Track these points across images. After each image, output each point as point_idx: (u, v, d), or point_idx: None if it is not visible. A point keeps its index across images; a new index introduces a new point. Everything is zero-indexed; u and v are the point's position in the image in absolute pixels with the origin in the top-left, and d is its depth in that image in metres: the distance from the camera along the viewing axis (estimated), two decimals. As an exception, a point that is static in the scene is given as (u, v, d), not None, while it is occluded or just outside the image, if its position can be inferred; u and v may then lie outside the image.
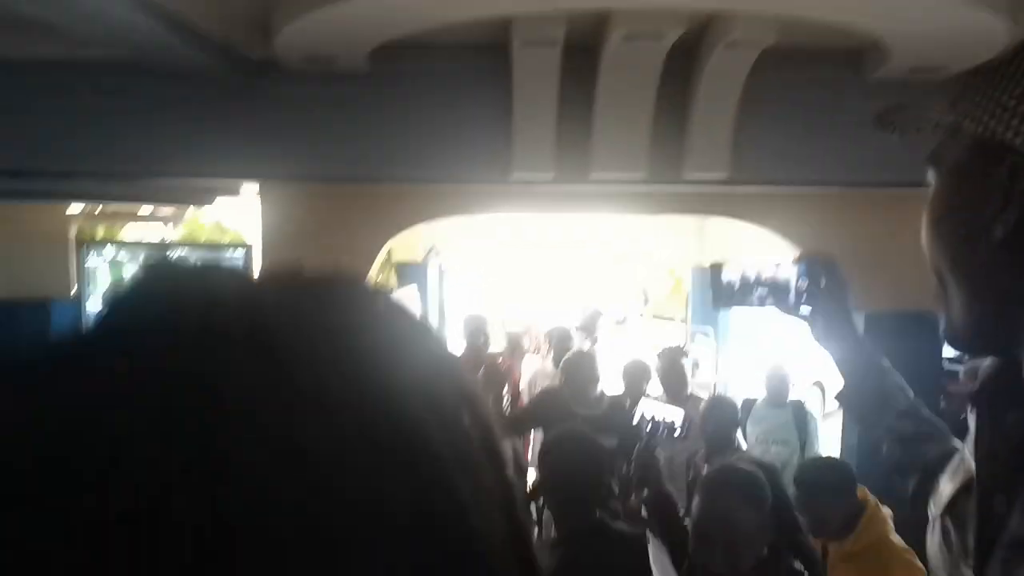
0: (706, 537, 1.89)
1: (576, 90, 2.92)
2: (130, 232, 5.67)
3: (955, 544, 0.81)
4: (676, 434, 3.11)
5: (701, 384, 6.19)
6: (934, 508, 0.91)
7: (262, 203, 3.62)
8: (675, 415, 3.14)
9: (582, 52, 2.79)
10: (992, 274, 0.72)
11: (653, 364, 4.52)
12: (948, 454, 1.21)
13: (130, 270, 5.97)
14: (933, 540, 0.88)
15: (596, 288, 16.82)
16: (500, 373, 4.73)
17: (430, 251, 7.56)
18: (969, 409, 0.80)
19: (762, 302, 1.31)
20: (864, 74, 2.98)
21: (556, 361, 5.38)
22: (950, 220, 0.77)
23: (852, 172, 3.13)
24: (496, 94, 2.93)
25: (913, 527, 1.45)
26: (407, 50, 2.81)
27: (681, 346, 5.34)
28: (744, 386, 7.05)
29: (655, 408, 3.23)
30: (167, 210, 5.01)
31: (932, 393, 3.81)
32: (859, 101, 2.91)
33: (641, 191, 3.53)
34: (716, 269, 1.36)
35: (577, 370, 3.94)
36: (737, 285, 1.32)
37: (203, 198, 3.93)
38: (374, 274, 3.84)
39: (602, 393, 4.03)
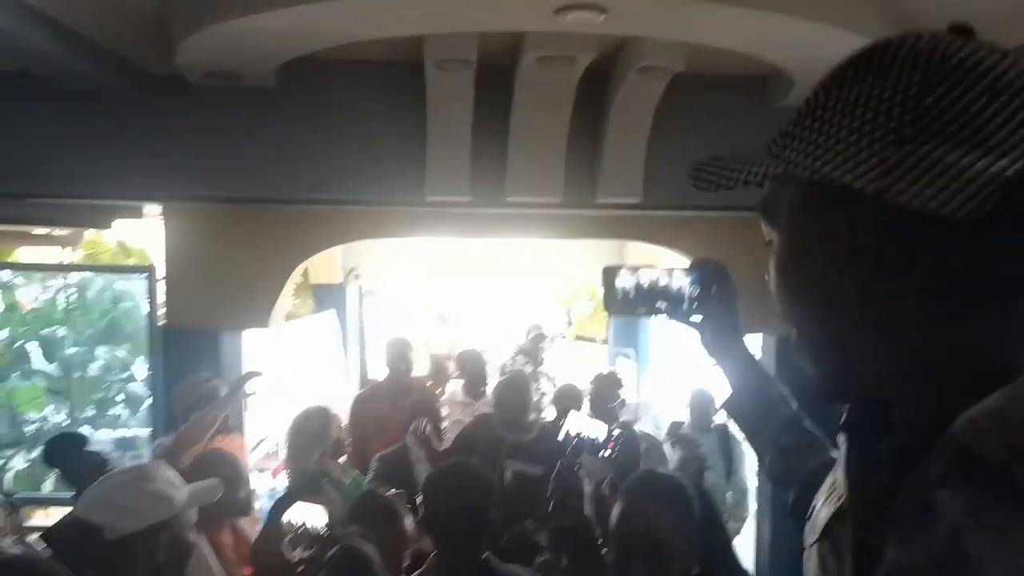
0: (625, 548, 1.69)
1: (491, 111, 2.91)
2: (23, 254, 5.35)
3: (832, 571, 0.80)
4: (604, 453, 2.71)
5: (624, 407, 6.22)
6: (810, 534, 0.89)
7: (166, 225, 3.46)
8: (603, 431, 2.76)
9: (496, 73, 2.78)
10: (848, 328, 0.66)
11: (585, 388, 4.48)
12: (828, 465, 1.22)
13: (24, 293, 5.62)
14: (810, 566, 0.87)
15: (519, 308, 16.89)
16: (433, 399, 4.54)
17: (350, 273, 7.40)
18: (838, 436, 0.77)
19: (654, 311, 1.29)
20: (771, 101, 3.07)
21: (468, 387, 5.25)
22: (797, 273, 0.71)
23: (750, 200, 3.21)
24: (410, 114, 2.89)
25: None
26: (317, 66, 2.74)
27: (615, 372, 5.24)
28: (667, 408, 7.16)
29: (582, 424, 2.82)
30: (64, 231, 4.74)
31: (836, 414, 3.94)
32: (765, 128, 2.99)
33: (556, 214, 3.54)
34: (609, 273, 1.30)
35: (507, 394, 3.74)
36: (631, 292, 1.28)
37: (102, 220, 3.74)
38: (287, 298, 3.71)
39: (536, 418, 3.88)
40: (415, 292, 14.67)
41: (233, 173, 3.00)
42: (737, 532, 4.49)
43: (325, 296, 7.40)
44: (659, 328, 9.14)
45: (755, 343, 4.03)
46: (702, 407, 4.72)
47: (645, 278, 1.28)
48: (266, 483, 5.04)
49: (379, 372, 9.08)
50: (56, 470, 3.41)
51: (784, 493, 1.27)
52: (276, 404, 5.84)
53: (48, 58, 2.41)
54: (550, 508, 1.98)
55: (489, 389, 5.10)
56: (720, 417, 5.26)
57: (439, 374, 6.95)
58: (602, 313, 8.43)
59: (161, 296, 3.73)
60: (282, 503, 1.87)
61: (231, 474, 2.77)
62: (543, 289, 12.32)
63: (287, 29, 2.35)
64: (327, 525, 2.00)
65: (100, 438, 5.51)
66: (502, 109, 2.91)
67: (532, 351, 6.71)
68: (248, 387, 3.46)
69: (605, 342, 8.29)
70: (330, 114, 2.93)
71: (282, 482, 5.01)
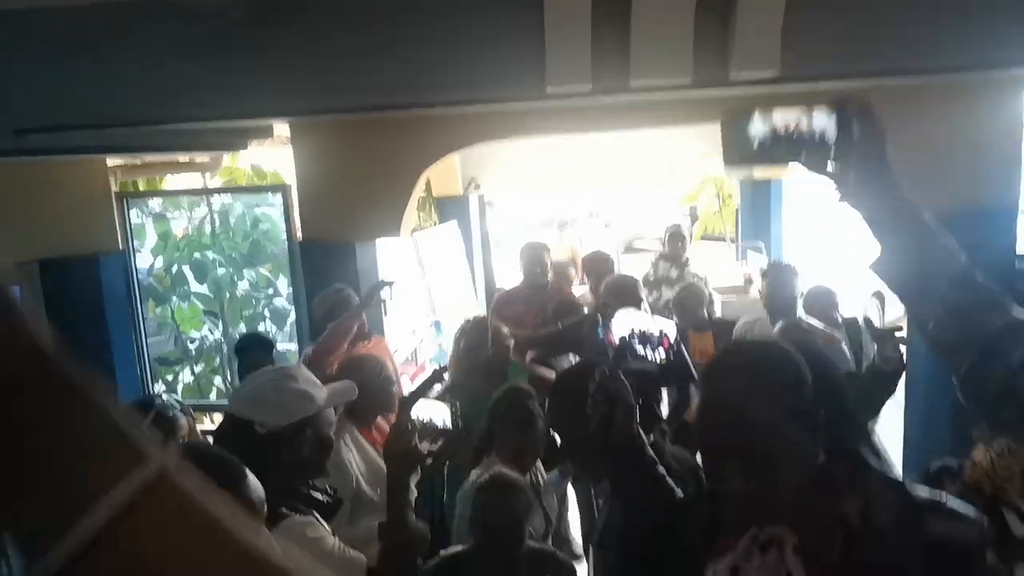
0: (712, 449, 1.26)
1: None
2: (170, 182, 5.69)
3: None
4: (660, 357, 2.08)
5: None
6: None
7: (294, 144, 3.55)
8: (667, 328, 2.16)
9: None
10: None
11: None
12: (1013, 328, 1.03)
13: (176, 224, 6.01)
14: None
15: (641, 214, 16.55)
16: (575, 298, 4.53)
17: (470, 184, 7.44)
18: None
19: (784, 157, 1.10)
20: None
21: (596, 290, 5.19)
22: None
23: (911, 60, 2.89)
24: (526, 12, 2.76)
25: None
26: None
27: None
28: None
29: (635, 320, 2.18)
30: (204, 158, 4.98)
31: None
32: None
33: (684, 98, 3.33)
34: (731, 122, 1.09)
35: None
36: (759, 140, 1.10)
37: (238, 142, 3.88)
38: (412, 210, 3.74)
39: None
40: (534, 202, 14.67)
41: (349, 83, 3.00)
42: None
43: (447, 208, 7.49)
44: (792, 219, 8.70)
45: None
46: (822, 305, 4.22)
47: (779, 121, 1.11)
48: (405, 387, 5.27)
49: (505, 279, 9.24)
50: (242, 367, 3.68)
51: (955, 364, 1.07)
52: (409, 312, 6.07)
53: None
54: (593, 428, 1.51)
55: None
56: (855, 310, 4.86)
57: (561, 280, 6.89)
58: (730, 209, 8.08)
59: (296, 214, 3.87)
60: (410, 399, 1.92)
61: (376, 374, 2.89)
62: (665, 192, 11.94)
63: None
64: (452, 420, 2.07)
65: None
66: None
67: (673, 254, 6.23)
68: (383, 294, 3.57)
69: (733, 240, 7.96)
70: (442, 9, 2.84)
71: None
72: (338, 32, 2.94)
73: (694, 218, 10.03)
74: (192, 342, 5.99)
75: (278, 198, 4.67)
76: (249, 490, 1.48)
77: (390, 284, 3.69)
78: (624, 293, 3.71)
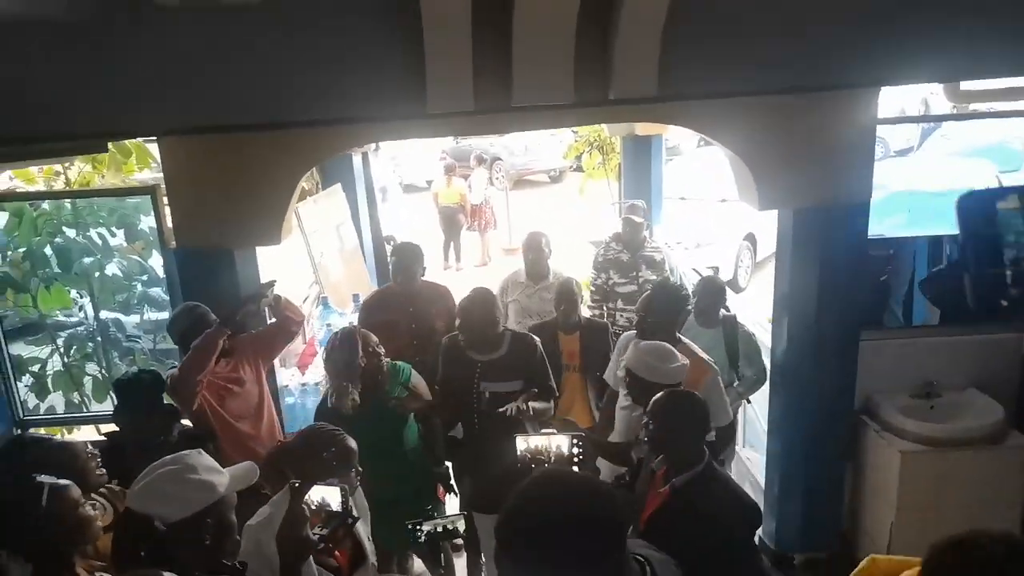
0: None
1: (491, 12, 2.69)
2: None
3: None
4: None
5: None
6: None
7: (162, 152, 3.32)
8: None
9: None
10: None
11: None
12: None
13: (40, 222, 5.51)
14: None
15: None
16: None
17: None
18: None
19: None
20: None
21: (530, 270, 5.07)
22: None
23: (777, 79, 3.04)
24: (405, 21, 2.67)
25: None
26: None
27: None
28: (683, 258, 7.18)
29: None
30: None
31: (859, 276, 3.96)
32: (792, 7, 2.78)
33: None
34: None
35: (471, 316, 3.51)
36: None
37: (97, 146, 3.60)
38: (292, 214, 3.63)
39: (504, 333, 3.68)
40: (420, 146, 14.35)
41: (223, 100, 2.85)
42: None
43: (331, 167, 7.24)
44: (674, 176, 9.00)
45: (771, 218, 3.97)
46: (710, 301, 4.34)
47: None
48: (296, 378, 5.22)
49: (392, 228, 9.12)
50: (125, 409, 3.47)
51: None
52: (296, 289, 5.94)
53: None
54: None
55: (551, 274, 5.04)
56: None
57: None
58: (612, 163, 8.24)
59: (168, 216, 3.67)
60: (301, 487, 1.95)
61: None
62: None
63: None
64: (343, 502, 2.10)
65: (127, 323, 5.68)
66: (503, 9, 2.68)
67: (629, 237, 5.62)
68: (263, 302, 3.49)
69: (615, 203, 8.14)
70: (318, 29, 2.72)
71: (311, 376, 5.21)
72: (207, 45, 2.76)
73: (580, 170, 10.17)
74: (60, 330, 5.64)
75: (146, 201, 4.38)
76: None
77: (270, 285, 3.58)
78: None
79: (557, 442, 2.72)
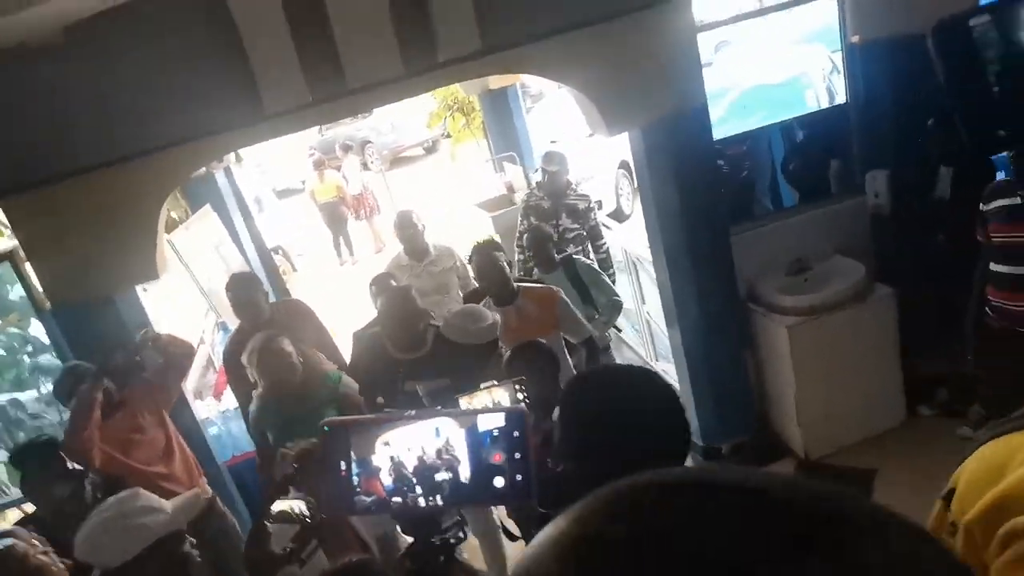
0: None
1: (304, 8, 2.73)
2: None
3: None
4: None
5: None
6: None
7: (8, 215, 3.21)
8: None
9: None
10: None
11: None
12: None
13: None
14: None
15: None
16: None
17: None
18: None
19: None
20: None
21: (409, 250, 5.02)
22: None
23: (587, 11, 3.21)
24: (225, 31, 2.68)
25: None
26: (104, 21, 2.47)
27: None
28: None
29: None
30: None
31: (715, 175, 4.23)
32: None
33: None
34: None
35: (390, 315, 3.37)
36: None
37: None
38: (163, 246, 3.57)
39: (425, 328, 3.43)
40: (283, 145, 13.99)
41: (54, 147, 2.79)
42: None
43: (195, 189, 7.04)
44: (537, 127, 9.14)
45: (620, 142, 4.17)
46: (537, 244, 4.57)
47: None
48: (213, 407, 5.16)
49: (274, 237, 8.92)
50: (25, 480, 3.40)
51: None
52: (191, 319, 5.82)
53: None
54: None
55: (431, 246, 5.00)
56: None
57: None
58: (476, 122, 8.34)
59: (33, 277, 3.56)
60: (264, 508, 2.01)
61: None
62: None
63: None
64: (309, 510, 2.15)
65: (26, 401, 5.46)
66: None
67: (550, 186, 5.45)
68: (142, 344, 3.47)
69: (488, 160, 8.27)
70: (138, 56, 2.68)
71: (229, 400, 5.15)
72: (27, 97, 2.69)
73: (447, 134, 10.21)
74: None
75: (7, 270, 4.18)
76: None
77: (143, 332, 3.53)
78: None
79: (499, 394, 2.50)
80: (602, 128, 3.82)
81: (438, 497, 1.14)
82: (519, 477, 1.12)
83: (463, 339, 3.19)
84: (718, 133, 4.22)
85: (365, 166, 14.46)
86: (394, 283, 4.36)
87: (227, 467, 4.08)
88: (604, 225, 6.15)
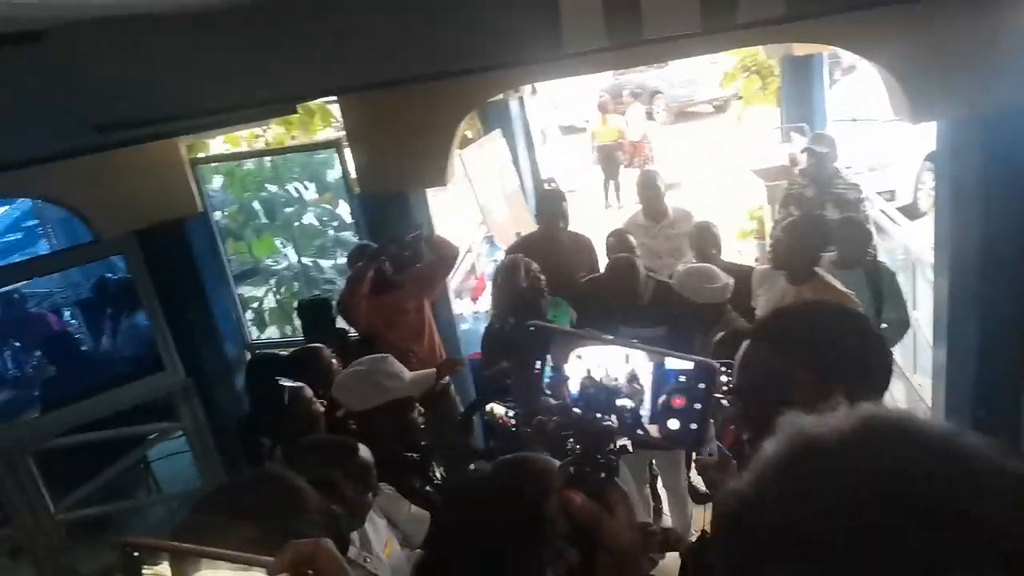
0: None
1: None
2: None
3: None
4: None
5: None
6: None
7: (342, 109, 3.88)
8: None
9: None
10: None
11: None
12: None
13: (247, 180, 6.43)
14: None
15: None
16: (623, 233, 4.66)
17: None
18: None
19: None
20: None
21: (647, 211, 5.11)
22: None
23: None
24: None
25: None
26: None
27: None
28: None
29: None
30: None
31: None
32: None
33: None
34: None
35: (614, 280, 3.59)
36: None
37: (286, 109, 4.20)
38: (455, 157, 4.05)
39: (647, 283, 3.65)
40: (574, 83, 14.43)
41: (389, 58, 3.28)
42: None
43: (490, 112, 7.67)
44: (841, 102, 8.48)
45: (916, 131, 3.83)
46: (852, 240, 4.04)
47: None
48: (469, 307, 5.75)
49: (551, 171, 9.42)
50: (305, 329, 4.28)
51: None
52: (464, 228, 6.47)
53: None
54: None
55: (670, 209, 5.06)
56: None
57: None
58: (772, 88, 8.01)
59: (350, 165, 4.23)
60: (476, 401, 2.37)
61: None
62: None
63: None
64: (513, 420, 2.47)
65: (324, 266, 6.51)
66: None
67: (815, 171, 5.16)
68: (415, 240, 3.96)
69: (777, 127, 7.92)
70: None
71: (482, 305, 5.72)
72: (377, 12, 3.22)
73: (739, 97, 9.89)
74: (271, 273, 6.57)
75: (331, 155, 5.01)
76: (361, 459, 1.98)
77: (418, 231, 4.06)
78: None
79: None
80: (906, 113, 3.55)
81: (614, 418, 1.18)
82: (693, 426, 1.13)
83: (696, 297, 3.28)
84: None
85: (650, 115, 14.48)
86: (631, 239, 4.45)
87: (468, 360, 4.58)
88: (891, 219, 5.68)
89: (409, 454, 2.51)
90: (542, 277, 3.82)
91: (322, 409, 2.85)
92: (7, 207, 8.78)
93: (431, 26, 3.20)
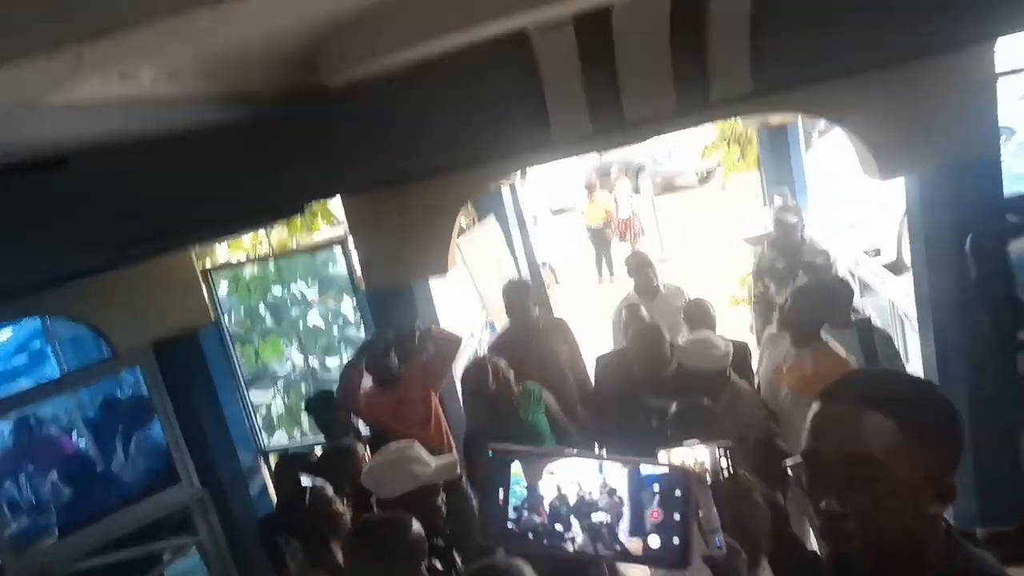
0: None
1: (594, 48, 3.15)
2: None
3: None
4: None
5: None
6: None
7: (345, 209, 4.10)
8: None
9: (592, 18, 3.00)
10: None
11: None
12: None
13: (253, 285, 6.61)
14: None
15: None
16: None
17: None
18: None
19: None
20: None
21: (639, 288, 5.25)
22: None
23: (878, 50, 3.22)
24: (522, 78, 3.21)
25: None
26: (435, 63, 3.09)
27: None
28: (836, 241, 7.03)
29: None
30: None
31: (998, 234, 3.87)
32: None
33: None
34: None
35: (643, 351, 3.64)
36: None
37: (295, 211, 4.41)
38: (455, 247, 4.23)
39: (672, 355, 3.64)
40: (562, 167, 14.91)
41: (391, 159, 3.50)
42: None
43: (483, 200, 7.91)
44: (818, 159, 8.79)
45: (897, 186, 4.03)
46: (841, 302, 4.12)
47: None
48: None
49: (545, 254, 9.66)
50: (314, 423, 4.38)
51: None
52: (464, 316, 6.60)
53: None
54: None
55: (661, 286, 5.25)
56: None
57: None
58: (751, 156, 8.32)
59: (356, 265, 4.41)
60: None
61: None
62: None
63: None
64: None
65: (331, 365, 6.58)
66: (603, 42, 3.13)
67: (783, 241, 5.30)
68: (415, 336, 4.09)
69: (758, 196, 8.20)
70: (457, 94, 3.31)
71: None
72: (367, 119, 3.44)
73: (719, 164, 10.24)
74: (277, 377, 6.65)
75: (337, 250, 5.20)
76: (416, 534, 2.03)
77: (416, 325, 4.17)
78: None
79: (698, 454, 2.02)
80: (874, 171, 3.74)
81: (589, 541, 1.12)
82: (676, 540, 1.08)
83: (700, 364, 3.37)
84: (1012, 188, 3.90)
85: (635, 190, 14.89)
86: (644, 313, 4.56)
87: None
88: (877, 276, 5.80)
89: (435, 540, 2.56)
90: (511, 375, 3.74)
91: (342, 509, 2.90)
92: (10, 329, 8.86)
93: (430, 128, 3.43)
